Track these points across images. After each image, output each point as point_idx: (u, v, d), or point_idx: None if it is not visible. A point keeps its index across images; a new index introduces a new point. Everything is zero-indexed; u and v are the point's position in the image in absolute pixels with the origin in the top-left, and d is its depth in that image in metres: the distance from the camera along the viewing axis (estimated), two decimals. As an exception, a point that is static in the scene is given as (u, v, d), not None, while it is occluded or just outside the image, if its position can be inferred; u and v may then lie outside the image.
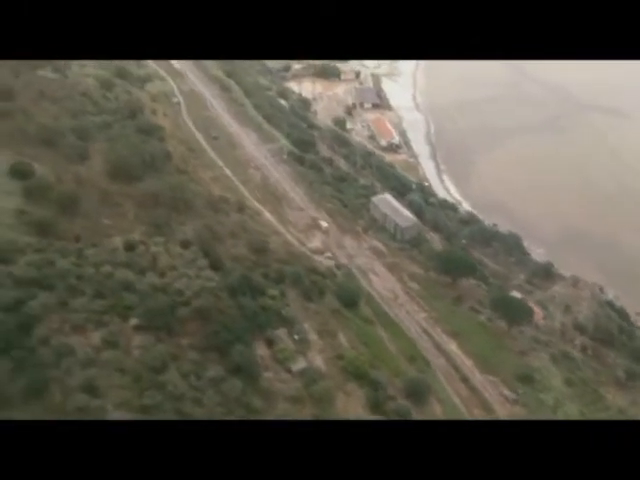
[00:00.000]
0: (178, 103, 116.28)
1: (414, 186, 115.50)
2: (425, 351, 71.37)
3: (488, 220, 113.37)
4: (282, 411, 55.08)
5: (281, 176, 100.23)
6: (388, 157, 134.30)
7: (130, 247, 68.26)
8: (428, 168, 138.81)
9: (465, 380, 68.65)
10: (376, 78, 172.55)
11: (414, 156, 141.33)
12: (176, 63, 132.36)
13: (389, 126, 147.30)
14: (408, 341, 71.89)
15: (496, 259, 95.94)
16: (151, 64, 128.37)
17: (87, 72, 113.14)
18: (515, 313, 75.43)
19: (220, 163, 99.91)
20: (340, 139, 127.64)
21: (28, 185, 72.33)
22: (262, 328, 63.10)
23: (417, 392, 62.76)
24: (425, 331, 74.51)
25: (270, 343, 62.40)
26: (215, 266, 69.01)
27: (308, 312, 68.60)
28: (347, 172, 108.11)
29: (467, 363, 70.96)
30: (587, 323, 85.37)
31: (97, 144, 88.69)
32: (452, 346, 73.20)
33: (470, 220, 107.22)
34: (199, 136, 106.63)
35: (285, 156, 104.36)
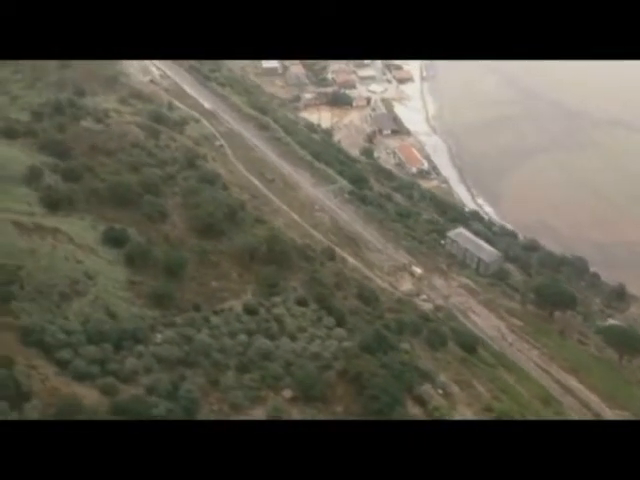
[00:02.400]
0: (222, 146, 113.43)
1: (467, 214, 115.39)
2: (552, 390, 70.63)
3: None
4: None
5: (348, 216, 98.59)
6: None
7: (252, 311, 65.76)
8: (461, 193, 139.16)
9: (599, 418, 68.07)
10: (388, 103, 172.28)
11: (445, 181, 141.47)
12: (206, 103, 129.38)
13: (416, 152, 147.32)
14: (534, 382, 70.88)
15: (570, 285, 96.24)
16: (182, 107, 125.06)
17: (126, 120, 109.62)
18: (629, 343, 75.43)
19: (285, 208, 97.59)
20: (381, 170, 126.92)
21: (127, 252, 69.03)
22: (408, 386, 61.28)
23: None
24: (543, 369, 73.80)
25: (420, 401, 60.55)
26: (340, 322, 67.03)
27: (439, 362, 67.12)
28: (406, 206, 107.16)
29: (594, 399, 70.37)
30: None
31: (170, 199, 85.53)
32: (573, 382, 72.50)
33: (532, 246, 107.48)
34: (254, 180, 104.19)
35: (347, 195, 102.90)
